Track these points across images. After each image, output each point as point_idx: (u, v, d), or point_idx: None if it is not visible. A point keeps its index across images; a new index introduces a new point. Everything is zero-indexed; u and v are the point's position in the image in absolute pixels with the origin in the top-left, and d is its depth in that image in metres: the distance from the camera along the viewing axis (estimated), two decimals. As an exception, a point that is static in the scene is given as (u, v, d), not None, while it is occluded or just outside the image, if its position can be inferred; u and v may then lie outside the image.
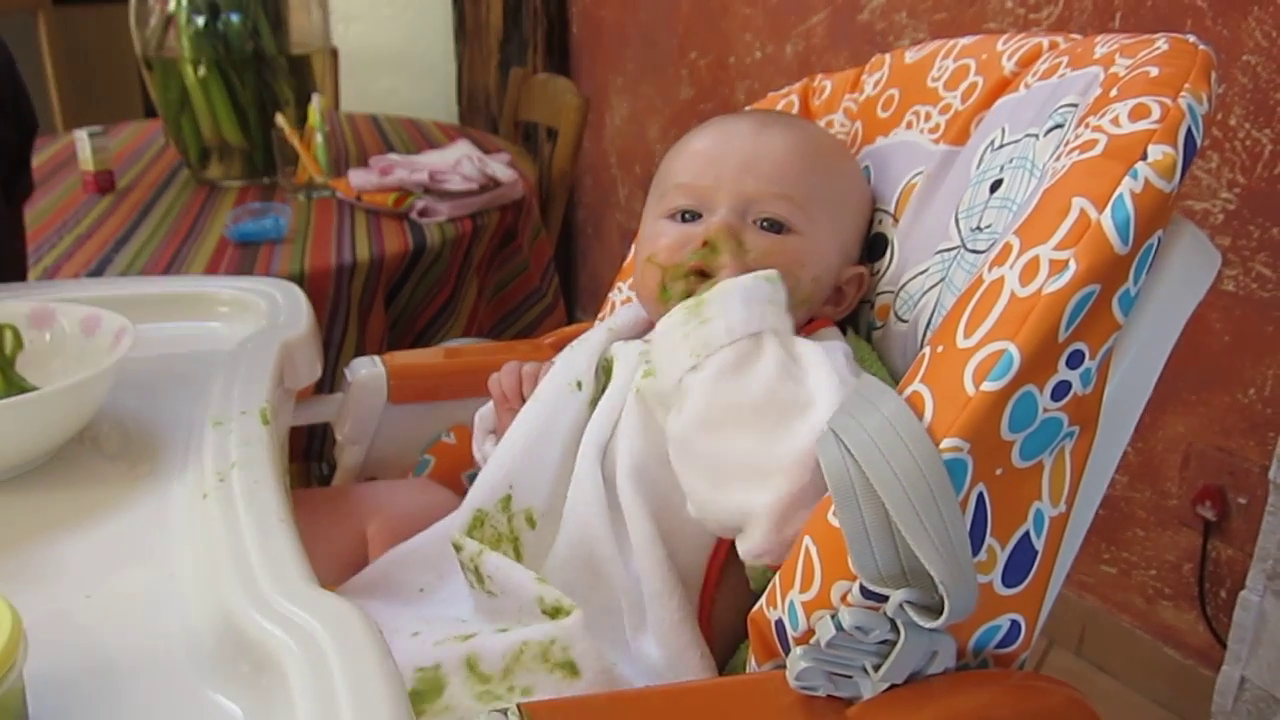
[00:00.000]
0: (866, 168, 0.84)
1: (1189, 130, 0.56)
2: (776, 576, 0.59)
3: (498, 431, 0.83)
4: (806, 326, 0.77)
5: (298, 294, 0.87)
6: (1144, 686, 1.58)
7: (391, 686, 0.42)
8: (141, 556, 0.56)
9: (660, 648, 0.65)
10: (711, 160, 0.76)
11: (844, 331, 0.81)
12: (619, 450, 0.70)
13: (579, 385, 0.75)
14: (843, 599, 0.54)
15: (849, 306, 0.80)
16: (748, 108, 0.96)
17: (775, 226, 0.74)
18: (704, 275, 0.72)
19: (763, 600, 0.60)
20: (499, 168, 1.62)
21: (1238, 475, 1.39)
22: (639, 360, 0.73)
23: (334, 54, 1.86)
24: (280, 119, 1.58)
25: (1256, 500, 1.35)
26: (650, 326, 0.78)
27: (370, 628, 0.45)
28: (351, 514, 0.84)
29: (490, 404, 0.84)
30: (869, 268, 0.80)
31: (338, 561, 0.80)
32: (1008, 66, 0.76)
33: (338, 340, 1.33)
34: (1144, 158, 0.55)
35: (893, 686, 0.53)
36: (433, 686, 0.61)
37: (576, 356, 0.78)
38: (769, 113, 0.86)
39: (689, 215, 0.76)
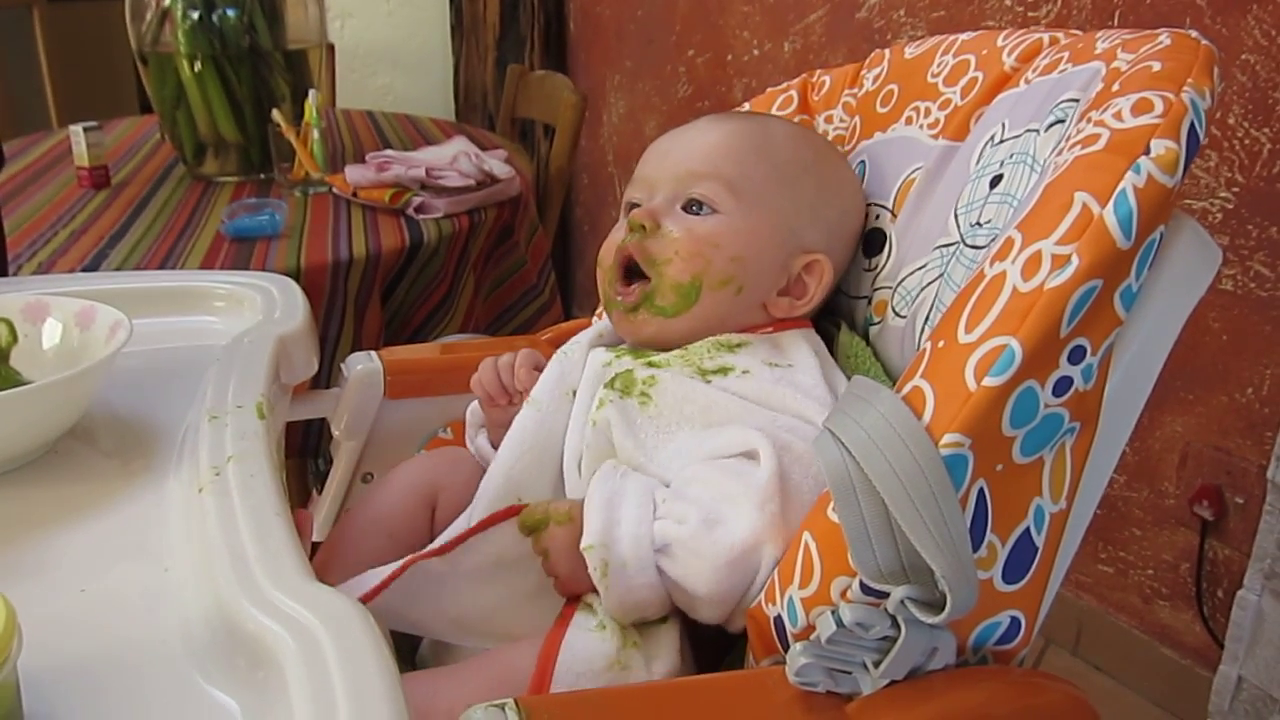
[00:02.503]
0: (863, 162, 0.84)
1: (1192, 125, 0.56)
2: (776, 572, 0.59)
3: (487, 427, 0.83)
4: (775, 325, 0.76)
5: (294, 289, 0.87)
6: (1141, 686, 1.58)
7: (388, 681, 0.42)
8: (137, 551, 0.55)
9: None
10: (660, 154, 0.79)
11: (837, 327, 0.81)
12: (584, 471, 0.71)
13: (573, 394, 0.75)
14: (843, 595, 0.54)
15: (812, 300, 0.77)
16: (745, 104, 0.96)
17: (697, 207, 0.75)
18: (629, 269, 0.75)
19: (761, 596, 0.59)
20: (496, 164, 1.62)
21: (1235, 475, 1.39)
22: (600, 376, 0.73)
23: (330, 50, 1.86)
24: (276, 115, 1.58)
25: (1254, 500, 1.35)
26: None
27: (367, 622, 0.45)
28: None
29: None
30: (830, 260, 0.77)
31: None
32: (1008, 62, 0.76)
33: (334, 336, 1.33)
34: (1147, 152, 0.55)
35: (893, 682, 0.53)
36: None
37: (570, 363, 0.78)
38: (734, 111, 0.85)
39: (636, 206, 0.78)
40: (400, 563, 0.67)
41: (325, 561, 0.76)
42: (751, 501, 0.62)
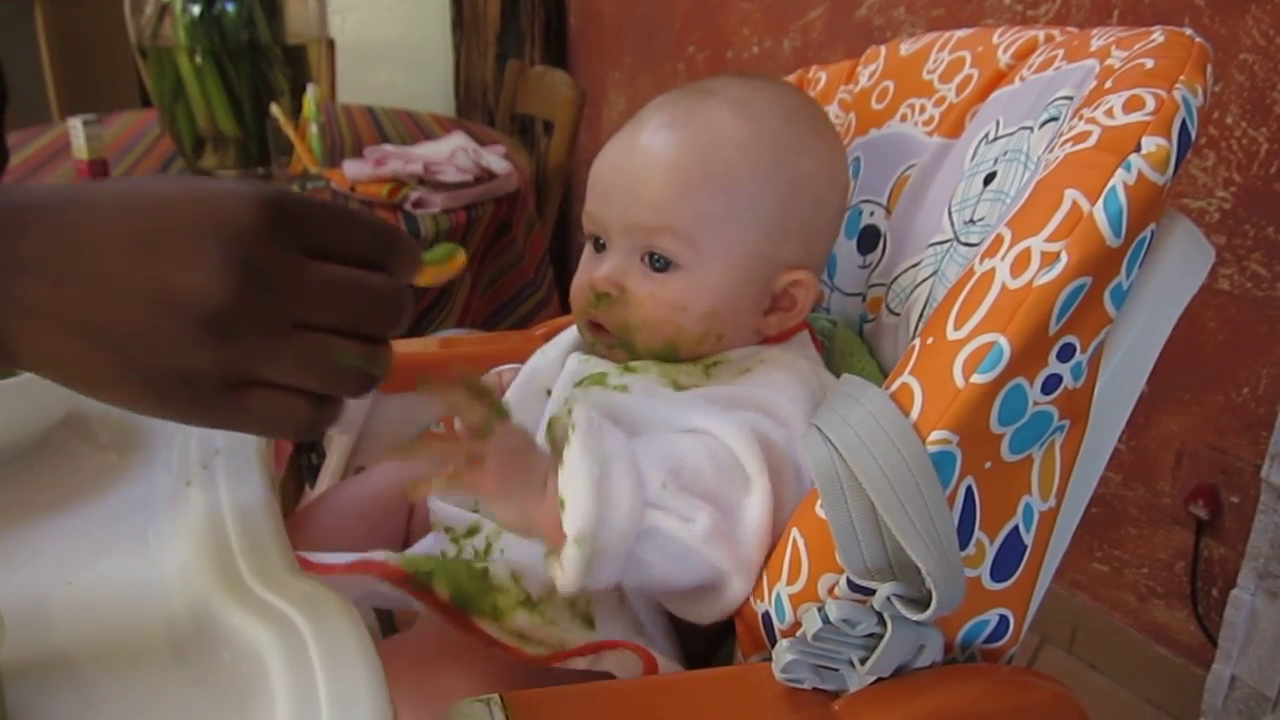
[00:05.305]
0: (858, 159, 0.84)
1: (1183, 122, 0.56)
2: (765, 569, 0.59)
3: None
4: (768, 341, 0.73)
5: (288, 283, 0.86)
6: (1135, 684, 1.58)
7: (371, 675, 0.42)
8: (124, 543, 0.55)
9: None
10: (605, 188, 0.72)
11: (834, 324, 0.81)
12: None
13: (547, 393, 0.73)
14: (830, 592, 0.54)
15: (803, 310, 0.72)
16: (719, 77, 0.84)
17: (662, 263, 0.69)
18: (599, 327, 0.71)
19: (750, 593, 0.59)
20: (494, 160, 1.62)
21: (1230, 474, 1.39)
22: (574, 377, 0.71)
23: (330, 44, 1.85)
24: (275, 109, 1.58)
25: (1249, 499, 1.35)
26: None
27: (351, 616, 0.45)
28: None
29: None
30: (813, 270, 0.72)
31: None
32: (1003, 59, 0.76)
33: (330, 331, 1.33)
34: (1137, 150, 0.54)
35: (879, 679, 0.53)
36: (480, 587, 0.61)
37: (546, 361, 0.76)
38: (680, 105, 0.74)
39: (599, 243, 0.73)
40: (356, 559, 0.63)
41: (294, 527, 0.75)
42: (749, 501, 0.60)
